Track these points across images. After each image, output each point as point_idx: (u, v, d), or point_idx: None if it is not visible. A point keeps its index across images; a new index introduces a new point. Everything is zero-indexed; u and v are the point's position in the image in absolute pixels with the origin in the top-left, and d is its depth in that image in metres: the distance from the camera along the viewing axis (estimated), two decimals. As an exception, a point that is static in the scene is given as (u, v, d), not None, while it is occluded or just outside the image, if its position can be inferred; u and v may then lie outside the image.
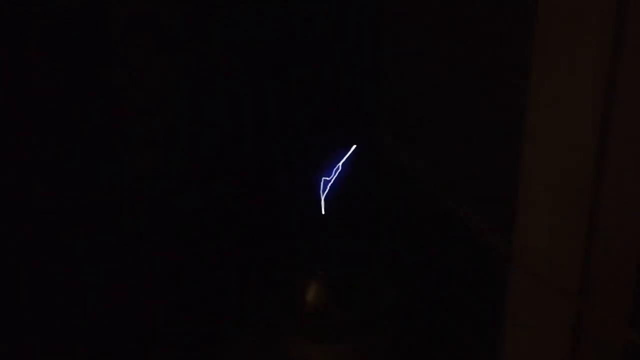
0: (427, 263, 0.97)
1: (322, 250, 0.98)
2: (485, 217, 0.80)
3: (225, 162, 1.02)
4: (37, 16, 0.87)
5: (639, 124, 0.66)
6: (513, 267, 0.73)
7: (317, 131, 1.03)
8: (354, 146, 0.92)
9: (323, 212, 0.97)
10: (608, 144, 0.68)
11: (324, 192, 0.96)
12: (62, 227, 0.95)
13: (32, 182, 0.92)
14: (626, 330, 0.70)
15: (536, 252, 0.72)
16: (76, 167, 0.94)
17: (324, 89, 1.03)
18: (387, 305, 0.97)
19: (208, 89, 0.99)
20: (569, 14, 0.67)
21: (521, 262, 0.72)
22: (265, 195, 1.04)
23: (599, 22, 0.66)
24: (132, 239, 0.99)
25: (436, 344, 0.97)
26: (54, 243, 0.94)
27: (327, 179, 0.96)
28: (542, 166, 0.71)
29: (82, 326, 0.98)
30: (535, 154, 0.71)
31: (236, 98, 1.01)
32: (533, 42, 0.71)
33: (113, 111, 0.95)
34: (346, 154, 0.96)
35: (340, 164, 0.97)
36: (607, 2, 0.65)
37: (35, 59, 0.89)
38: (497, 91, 0.77)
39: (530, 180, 0.71)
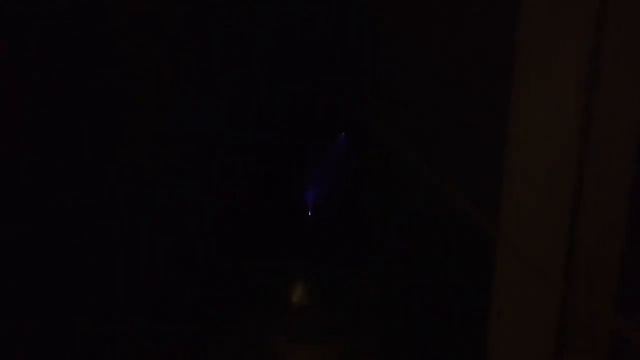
0: (414, 260, 0.97)
1: (307, 250, 0.97)
2: (475, 200, 0.79)
3: (212, 161, 1.02)
4: (38, 16, 0.87)
5: (622, 102, 0.66)
6: (499, 247, 0.72)
7: (306, 128, 1.03)
8: (342, 134, 0.92)
9: (310, 213, 0.97)
10: (591, 127, 0.68)
11: (310, 191, 0.96)
12: (60, 226, 0.95)
13: (32, 181, 0.92)
14: (612, 318, 0.69)
15: (521, 233, 0.72)
16: (74, 167, 0.94)
17: (315, 83, 1.03)
18: (374, 305, 0.97)
19: (201, 85, 1.00)
20: (550, 10, 0.68)
21: (507, 241, 0.71)
22: (250, 195, 1.04)
23: (581, 17, 0.66)
24: (123, 238, 0.99)
25: (424, 343, 0.96)
26: (54, 243, 0.94)
27: (314, 178, 0.96)
28: (527, 148, 0.71)
29: (73, 324, 0.97)
30: (519, 135, 0.71)
31: (227, 95, 1.01)
32: (516, 37, 0.72)
33: (112, 111, 0.95)
34: (333, 149, 0.96)
35: (327, 161, 0.97)
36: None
37: (37, 59, 0.89)
38: (484, 75, 0.77)
39: (515, 161, 0.71)
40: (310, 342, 0.94)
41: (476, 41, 0.77)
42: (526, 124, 0.71)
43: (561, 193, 0.70)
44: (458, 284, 0.89)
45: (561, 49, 0.68)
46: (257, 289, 0.99)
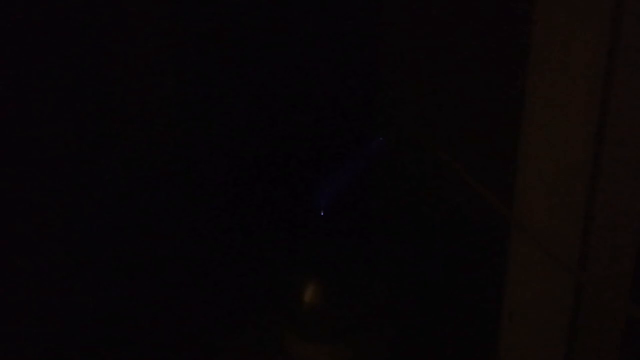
0: (421, 259, 0.97)
1: (317, 250, 0.98)
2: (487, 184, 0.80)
3: (222, 163, 1.03)
4: (40, 16, 0.88)
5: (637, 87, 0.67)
6: (513, 232, 0.73)
7: (314, 131, 1.04)
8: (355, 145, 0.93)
9: (322, 213, 0.97)
10: (608, 117, 0.69)
11: (321, 192, 0.97)
12: (60, 224, 0.95)
13: (31, 180, 0.92)
14: (627, 303, 0.70)
15: (537, 220, 0.72)
16: (75, 167, 0.95)
17: (324, 83, 1.04)
18: (383, 304, 0.97)
19: (208, 92, 1.01)
20: (567, 11, 0.69)
21: (521, 227, 0.72)
22: (262, 195, 1.04)
23: (596, 18, 0.68)
24: (129, 239, 0.99)
25: (433, 342, 0.96)
26: (54, 242, 0.94)
27: (326, 179, 0.97)
28: (543, 135, 0.72)
29: (76, 325, 0.97)
30: (536, 124, 0.72)
31: (237, 100, 1.02)
32: (531, 37, 0.73)
33: (114, 111, 0.96)
34: (344, 155, 0.97)
35: (340, 163, 0.98)
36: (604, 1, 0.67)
37: (39, 59, 0.90)
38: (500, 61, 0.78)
39: (531, 150, 0.72)
40: (321, 341, 0.94)
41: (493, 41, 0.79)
42: (542, 113, 0.72)
43: (577, 180, 0.71)
44: (468, 284, 0.90)
45: (576, 49, 0.69)
46: (270, 288, 1.00)
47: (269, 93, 1.03)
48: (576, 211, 0.72)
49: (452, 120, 0.89)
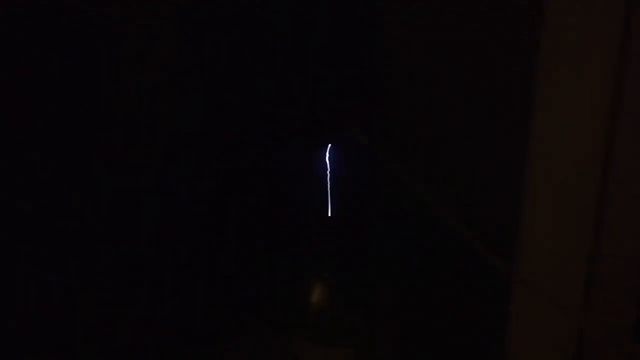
0: (426, 265, 0.97)
1: (325, 252, 0.98)
2: (482, 234, 0.79)
3: (227, 162, 1.02)
4: (40, 16, 0.86)
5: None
6: (515, 284, 0.72)
7: (321, 131, 1.02)
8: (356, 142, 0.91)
9: (329, 214, 0.97)
10: (611, 161, 0.67)
11: (328, 191, 0.96)
12: (61, 226, 0.95)
13: (32, 181, 0.92)
14: (629, 344, 0.70)
15: (539, 270, 0.72)
16: (76, 167, 0.94)
17: (324, 88, 1.02)
18: (390, 307, 0.97)
19: (205, 89, 0.99)
20: (577, 22, 0.66)
21: (524, 279, 0.71)
22: (268, 196, 1.04)
23: (605, 29, 0.65)
24: (132, 238, 0.99)
25: (439, 345, 0.97)
26: (54, 241, 0.94)
27: (332, 179, 0.96)
28: (546, 183, 0.70)
29: (77, 326, 0.98)
30: (539, 169, 0.70)
31: (234, 98, 1.00)
32: (539, 52, 0.70)
33: (114, 111, 0.94)
34: (349, 153, 0.96)
35: (344, 163, 0.97)
36: (614, 7, 0.64)
37: (36, 59, 0.88)
38: (498, 103, 0.76)
39: (535, 197, 0.70)
40: (328, 343, 0.95)
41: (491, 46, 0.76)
42: (546, 155, 0.70)
43: (581, 225, 0.70)
44: (473, 286, 0.90)
45: (588, 54, 0.66)
46: (277, 290, 1.00)
47: (275, 91, 1.01)
48: (580, 253, 0.72)
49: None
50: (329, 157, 0.97)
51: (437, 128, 0.86)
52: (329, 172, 0.96)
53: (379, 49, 0.99)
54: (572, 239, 0.71)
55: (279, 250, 1.03)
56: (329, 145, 0.97)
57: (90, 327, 0.98)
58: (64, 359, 0.97)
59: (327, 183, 0.96)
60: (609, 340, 0.70)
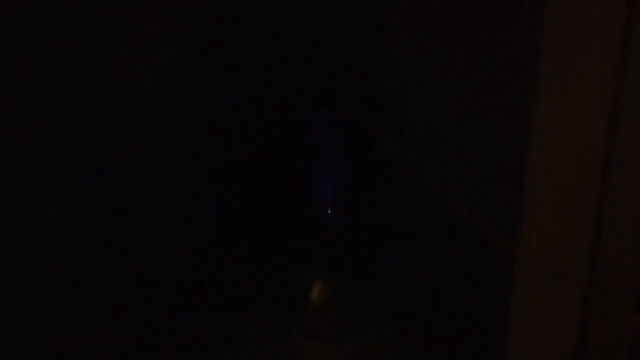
0: (428, 261, 0.97)
1: (325, 249, 0.98)
2: (485, 212, 0.79)
3: (225, 160, 1.02)
4: (39, 17, 0.87)
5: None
6: (517, 259, 0.72)
7: (321, 128, 1.03)
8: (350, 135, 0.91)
9: (329, 211, 0.97)
10: (617, 137, 0.68)
11: (328, 189, 0.96)
12: (60, 225, 0.95)
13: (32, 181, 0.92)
14: (636, 317, 0.70)
15: (542, 244, 0.72)
16: (77, 167, 0.94)
17: (324, 88, 1.03)
18: (393, 304, 0.97)
19: (206, 89, 0.99)
20: (578, 18, 0.67)
21: (526, 253, 0.71)
22: (267, 192, 1.04)
23: (607, 24, 0.66)
24: (130, 236, 0.99)
25: (443, 342, 0.96)
26: (54, 241, 0.94)
27: (332, 176, 0.96)
28: (550, 159, 0.71)
29: (76, 326, 0.97)
30: (542, 148, 0.71)
31: (235, 98, 1.01)
32: (540, 45, 0.70)
33: (114, 111, 0.95)
34: (349, 150, 0.96)
35: (343, 161, 0.97)
36: (615, 6, 0.65)
37: (36, 59, 0.89)
38: (501, 84, 0.76)
39: (537, 173, 0.71)
40: (329, 341, 0.95)
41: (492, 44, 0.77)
42: (548, 134, 0.71)
43: (585, 197, 0.70)
44: (476, 282, 0.90)
45: (588, 52, 0.67)
46: (277, 287, 1.00)
47: (273, 91, 1.02)
48: (584, 226, 0.72)
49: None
50: (329, 155, 0.97)
51: (439, 116, 0.87)
52: (329, 169, 0.97)
53: (379, 48, 1.00)
54: (576, 212, 0.71)
55: (279, 247, 1.03)
56: (329, 144, 0.98)
57: (90, 327, 0.98)
58: (64, 359, 0.96)
59: (327, 181, 0.97)
60: (615, 312, 0.70)
